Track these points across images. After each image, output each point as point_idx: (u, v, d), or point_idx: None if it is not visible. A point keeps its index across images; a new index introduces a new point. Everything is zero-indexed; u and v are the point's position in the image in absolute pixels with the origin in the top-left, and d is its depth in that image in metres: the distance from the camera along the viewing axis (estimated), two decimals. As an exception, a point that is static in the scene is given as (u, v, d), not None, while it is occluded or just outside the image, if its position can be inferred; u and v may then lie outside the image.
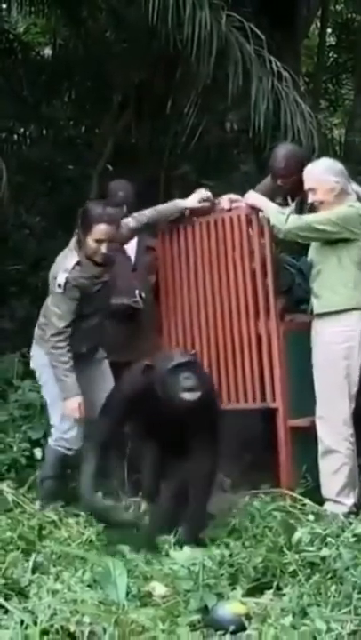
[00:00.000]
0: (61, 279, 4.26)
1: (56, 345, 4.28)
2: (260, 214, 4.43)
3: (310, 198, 4.29)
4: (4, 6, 8.48)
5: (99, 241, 4.27)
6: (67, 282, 4.25)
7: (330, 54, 10.50)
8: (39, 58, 9.27)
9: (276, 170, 4.75)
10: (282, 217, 4.28)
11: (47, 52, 9.56)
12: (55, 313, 4.28)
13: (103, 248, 4.26)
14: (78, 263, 4.31)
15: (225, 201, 4.69)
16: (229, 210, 4.64)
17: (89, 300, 4.33)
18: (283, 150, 4.84)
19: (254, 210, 4.48)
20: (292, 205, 4.64)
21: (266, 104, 6.00)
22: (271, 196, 4.67)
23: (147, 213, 4.72)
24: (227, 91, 6.12)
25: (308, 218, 4.27)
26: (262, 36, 6.01)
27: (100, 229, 4.25)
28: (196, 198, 4.74)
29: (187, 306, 4.78)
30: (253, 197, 4.54)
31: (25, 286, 7.63)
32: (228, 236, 4.61)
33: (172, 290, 4.85)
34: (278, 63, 6.14)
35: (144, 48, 7.33)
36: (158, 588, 2.97)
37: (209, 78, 6.28)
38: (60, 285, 4.25)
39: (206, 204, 4.71)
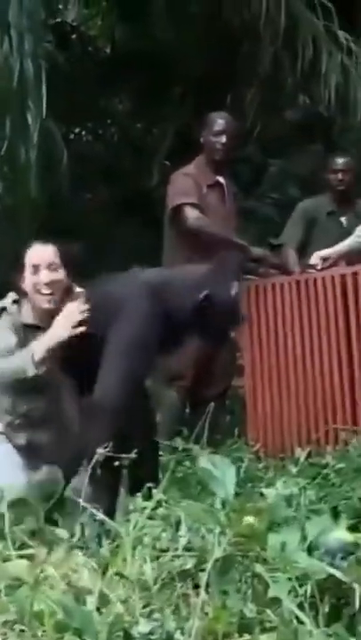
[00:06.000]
0: None
1: None
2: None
3: None
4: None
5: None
6: None
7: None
8: (97, 51, 9.26)
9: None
10: None
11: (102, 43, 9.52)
12: None
13: None
14: None
15: (315, 259, 4.52)
16: (321, 269, 4.46)
17: None
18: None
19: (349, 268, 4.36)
20: None
21: (335, 79, 6.21)
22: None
23: None
24: (286, 78, 6.42)
25: None
26: (331, 8, 6.15)
27: None
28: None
29: (275, 370, 4.45)
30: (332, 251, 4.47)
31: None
32: (320, 298, 4.32)
33: (258, 352, 4.50)
34: (348, 37, 6.27)
35: (205, 39, 7.29)
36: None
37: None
38: None
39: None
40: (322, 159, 6.08)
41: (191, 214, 4.53)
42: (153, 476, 3.08)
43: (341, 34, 6.28)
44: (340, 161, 5.12)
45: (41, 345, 3.23)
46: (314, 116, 7.53)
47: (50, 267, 3.40)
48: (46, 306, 3.40)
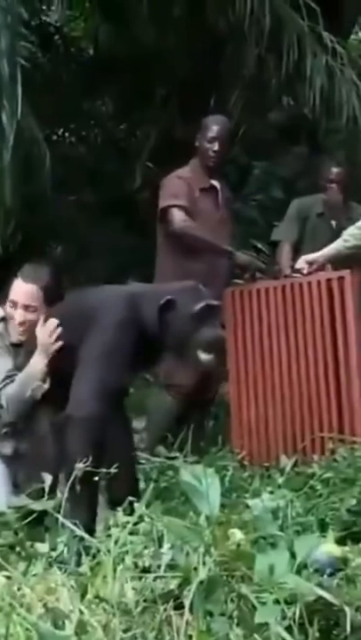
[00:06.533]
0: None
1: None
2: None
3: None
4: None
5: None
6: None
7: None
8: (80, 52, 9.25)
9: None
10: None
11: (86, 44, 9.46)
12: None
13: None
14: None
15: (301, 263, 4.38)
16: (307, 273, 4.32)
17: None
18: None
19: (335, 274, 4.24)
20: None
21: (321, 80, 6.17)
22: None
23: None
24: (271, 79, 6.43)
25: None
26: (317, 9, 6.10)
27: None
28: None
29: (260, 376, 4.34)
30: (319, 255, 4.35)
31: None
32: (306, 303, 4.21)
33: (242, 358, 4.39)
34: (333, 38, 6.24)
35: (189, 41, 7.25)
36: (237, 535, 2.48)
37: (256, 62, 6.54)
38: None
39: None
40: (307, 161, 6.02)
41: (177, 217, 4.41)
42: (132, 489, 3.00)
43: (326, 35, 6.19)
44: (335, 170, 5.11)
45: (37, 364, 3.26)
46: (298, 117, 7.47)
47: (26, 308, 3.48)
48: (18, 338, 3.50)
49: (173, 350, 3.12)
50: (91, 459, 2.61)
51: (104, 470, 2.66)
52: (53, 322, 3.18)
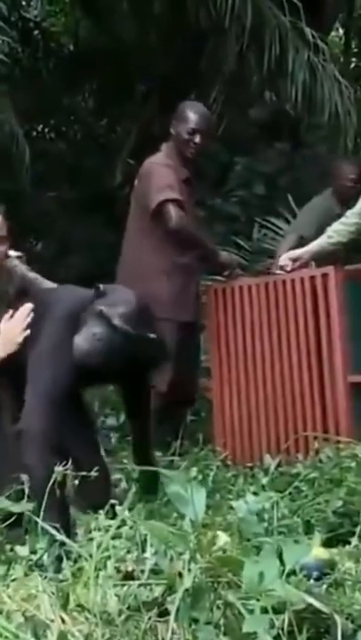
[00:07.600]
0: None
1: None
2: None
3: None
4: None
5: None
6: None
7: (352, 60, 10.11)
8: (60, 48, 9.17)
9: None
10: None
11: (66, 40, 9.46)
12: None
13: None
14: None
15: (284, 260, 4.26)
16: (291, 270, 4.22)
17: None
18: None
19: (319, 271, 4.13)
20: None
21: (303, 76, 6.14)
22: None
23: None
24: (252, 75, 6.49)
25: None
26: (298, 4, 6.06)
27: None
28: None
29: (242, 374, 4.26)
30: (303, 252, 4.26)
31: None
32: (289, 300, 4.13)
33: (225, 356, 4.32)
34: (315, 34, 6.20)
35: (169, 37, 7.24)
36: (223, 538, 2.38)
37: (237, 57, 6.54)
38: None
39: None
40: (289, 157, 5.96)
41: (175, 212, 4.16)
42: (104, 489, 2.94)
43: (308, 30, 6.14)
44: (349, 168, 5.06)
45: None
46: (280, 113, 7.43)
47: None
48: None
49: None
50: (48, 470, 2.57)
51: (62, 473, 2.61)
52: (27, 307, 3.06)
